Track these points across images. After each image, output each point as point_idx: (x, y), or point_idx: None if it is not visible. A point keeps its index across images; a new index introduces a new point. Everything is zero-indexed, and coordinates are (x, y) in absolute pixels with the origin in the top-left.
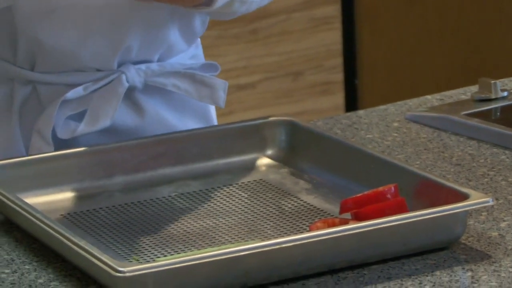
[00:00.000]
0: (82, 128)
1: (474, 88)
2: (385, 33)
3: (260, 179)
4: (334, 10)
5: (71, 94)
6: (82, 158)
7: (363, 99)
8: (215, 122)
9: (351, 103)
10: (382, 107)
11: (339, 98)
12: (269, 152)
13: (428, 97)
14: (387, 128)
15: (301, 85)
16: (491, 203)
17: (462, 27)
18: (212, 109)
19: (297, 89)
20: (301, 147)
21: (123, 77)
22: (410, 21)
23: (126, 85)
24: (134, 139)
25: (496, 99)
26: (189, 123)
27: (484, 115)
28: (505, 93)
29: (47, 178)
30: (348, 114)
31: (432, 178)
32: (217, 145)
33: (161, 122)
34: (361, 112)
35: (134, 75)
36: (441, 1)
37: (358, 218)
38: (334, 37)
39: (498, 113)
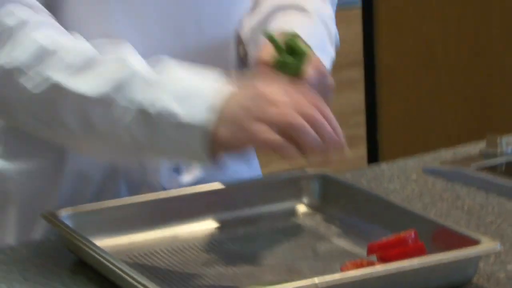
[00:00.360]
0: (185, 179)
1: (483, 144)
2: (402, 94)
3: (298, 224)
4: (358, 73)
5: None
6: (145, 206)
7: (383, 151)
8: (260, 171)
9: (373, 155)
10: (401, 161)
11: (362, 150)
12: (305, 200)
13: (442, 152)
14: (407, 180)
15: None
16: (499, 248)
17: (470, 88)
18: None
19: None
20: (333, 197)
21: None
22: (424, 84)
23: None
24: (189, 189)
25: (501, 154)
26: (255, 169)
27: (492, 169)
28: (510, 149)
29: (115, 224)
30: (372, 167)
31: (447, 225)
32: (261, 194)
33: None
34: (383, 166)
35: None
36: (451, 68)
37: (383, 260)
38: (357, 96)
39: (504, 167)
